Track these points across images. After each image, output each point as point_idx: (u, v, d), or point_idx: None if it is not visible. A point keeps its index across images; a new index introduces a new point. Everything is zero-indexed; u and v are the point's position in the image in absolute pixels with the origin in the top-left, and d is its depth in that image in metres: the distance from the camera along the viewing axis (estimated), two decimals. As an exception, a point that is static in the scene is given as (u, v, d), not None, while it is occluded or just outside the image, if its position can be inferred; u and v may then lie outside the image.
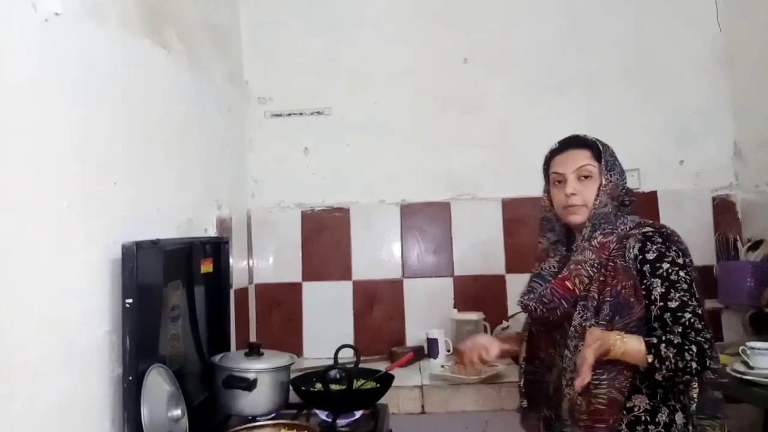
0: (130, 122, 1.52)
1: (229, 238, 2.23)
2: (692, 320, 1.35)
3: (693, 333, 1.34)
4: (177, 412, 1.43)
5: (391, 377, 1.86)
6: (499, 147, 2.68)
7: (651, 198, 2.65)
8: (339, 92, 2.74)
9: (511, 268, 2.64)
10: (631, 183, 2.58)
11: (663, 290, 1.39)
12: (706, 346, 1.33)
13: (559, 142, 1.60)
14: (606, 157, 1.52)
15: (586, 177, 1.51)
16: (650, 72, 2.70)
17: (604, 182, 1.50)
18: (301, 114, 2.75)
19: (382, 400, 1.84)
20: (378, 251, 2.72)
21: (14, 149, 1.05)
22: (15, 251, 1.04)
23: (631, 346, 1.32)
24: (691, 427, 1.43)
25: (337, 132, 2.73)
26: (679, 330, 1.35)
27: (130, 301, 1.32)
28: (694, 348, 1.31)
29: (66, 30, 1.23)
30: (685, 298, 1.37)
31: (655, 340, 1.32)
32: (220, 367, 1.68)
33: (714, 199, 2.65)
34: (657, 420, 1.41)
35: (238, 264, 2.46)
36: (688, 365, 1.31)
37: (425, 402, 2.10)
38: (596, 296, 1.42)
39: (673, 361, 1.30)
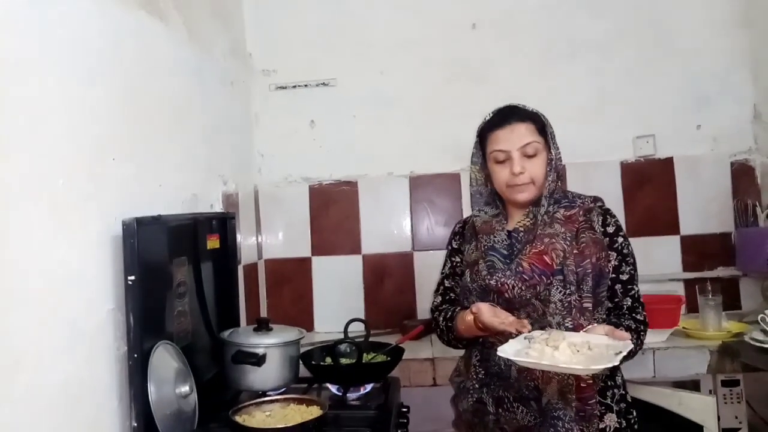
0: (127, 98, 1.48)
1: (236, 213, 2.21)
2: (638, 295, 1.45)
3: (640, 308, 1.44)
4: (185, 389, 1.43)
5: (402, 350, 1.84)
6: (510, 115, 2.62)
7: (667, 164, 2.58)
8: (344, 63, 2.68)
9: (523, 238, 2.59)
10: (647, 149, 2.58)
11: (617, 263, 1.44)
12: (646, 324, 1.44)
13: (497, 114, 1.51)
14: (549, 130, 1.48)
15: (533, 154, 1.45)
16: (665, 34, 2.60)
17: (552, 156, 1.47)
18: (306, 86, 2.70)
19: (394, 373, 1.83)
20: (387, 224, 2.69)
21: (5, 128, 1.02)
22: (10, 231, 1.02)
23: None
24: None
25: (343, 104, 2.68)
26: (629, 303, 1.43)
27: (133, 278, 1.30)
28: (642, 328, 1.42)
29: (56, 1, 1.19)
30: (632, 272, 1.45)
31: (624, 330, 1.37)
32: (228, 342, 1.67)
33: (732, 164, 2.57)
34: (617, 383, 1.45)
35: (246, 240, 2.44)
36: (641, 347, 1.42)
37: (437, 374, 2.09)
38: (575, 269, 1.39)
39: (636, 344, 1.37)
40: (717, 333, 2.08)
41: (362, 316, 2.32)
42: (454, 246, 1.65)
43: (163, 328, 1.47)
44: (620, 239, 1.46)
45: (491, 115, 1.52)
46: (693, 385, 2.16)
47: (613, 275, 1.44)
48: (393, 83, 2.66)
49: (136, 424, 1.29)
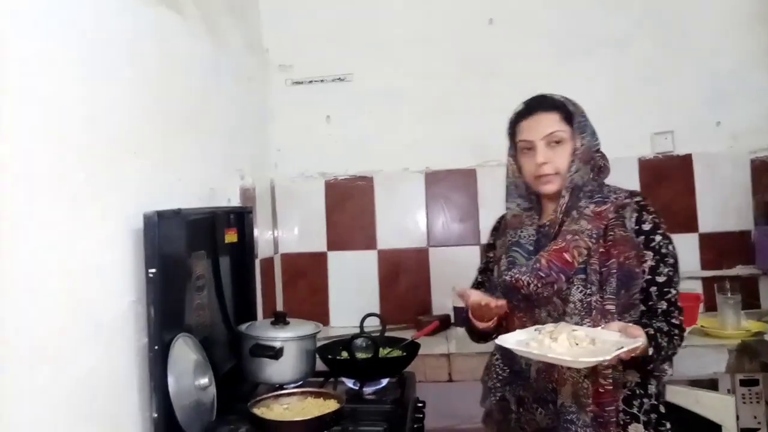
0: (147, 91, 1.49)
1: (253, 207, 2.22)
2: (675, 298, 1.36)
3: (676, 312, 1.35)
4: (204, 381, 1.44)
5: (417, 345, 1.84)
6: (526, 111, 2.60)
7: (686, 161, 2.56)
8: (360, 58, 2.68)
9: (539, 235, 2.58)
10: (665, 146, 2.56)
11: (653, 263, 1.36)
12: (681, 328, 1.35)
13: (525, 103, 1.49)
14: (578, 119, 1.42)
15: (557, 143, 1.41)
16: (683, 30, 2.57)
17: (578, 146, 1.41)
18: (322, 81, 2.70)
19: (410, 369, 1.83)
20: (403, 220, 2.69)
21: (26, 122, 1.02)
22: (32, 225, 1.03)
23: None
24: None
25: (359, 99, 2.68)
26: (663, 306, 1.35)
27: (153, 270, 1.31)
28: (676, 332, 1.33)
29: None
30: (671, 274, 1.36)
31: (652, 331, 1.29)
32: (246, 335, 1.68)
33: (753, 161, 2.54)
34: (649, 392, 1.37)
35: (263, 234, 2.45)
36: (674, 351, 1.33)
37: (452, 370, 2.09)
38: (598, 268, 1.34)
39: (666, 348, 1.30)
40: (736, 332, 2.06)
41: (377, 311, 2.32)
42: (490, 241, 1.64)
43: (182, 320, 1.48)
44: (658, 237, 1.37)
45: (522, 106, 1.50)
46: (710, 384, 2.14)
47: (649, 276, 1.35)
48: (409, 78, 2.66)
49: (156, 415, 1.30)
